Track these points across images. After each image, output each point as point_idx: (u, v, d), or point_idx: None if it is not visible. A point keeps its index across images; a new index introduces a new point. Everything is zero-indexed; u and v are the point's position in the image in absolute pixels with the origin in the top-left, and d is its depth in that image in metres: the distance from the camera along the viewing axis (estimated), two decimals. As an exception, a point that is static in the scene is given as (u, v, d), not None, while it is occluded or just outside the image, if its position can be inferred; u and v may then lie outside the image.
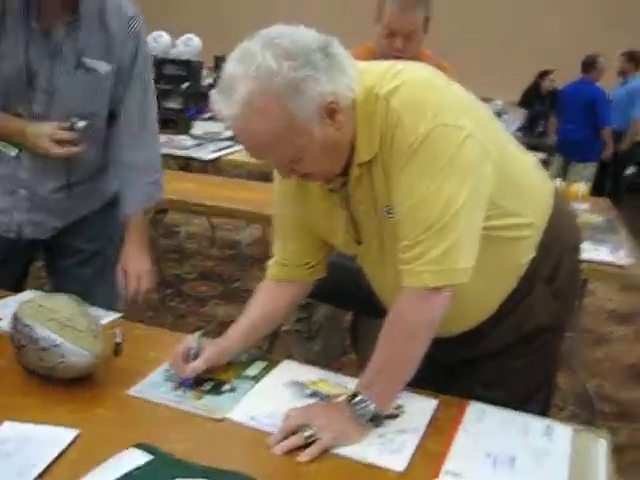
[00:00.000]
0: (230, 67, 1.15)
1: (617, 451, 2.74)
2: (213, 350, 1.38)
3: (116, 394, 1.30)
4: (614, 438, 2.86)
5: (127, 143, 1.81)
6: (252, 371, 1.42)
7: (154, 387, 1.33)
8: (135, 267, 1.85)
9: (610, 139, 6.23)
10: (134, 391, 1.31)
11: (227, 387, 1.35)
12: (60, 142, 1.66)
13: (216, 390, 1.34)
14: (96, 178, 1.88)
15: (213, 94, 1.20)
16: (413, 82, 1.21)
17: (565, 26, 8.63)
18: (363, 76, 1.22)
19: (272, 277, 1.48)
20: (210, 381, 1.36)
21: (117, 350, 1.45)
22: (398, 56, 2.35)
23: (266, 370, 1.42)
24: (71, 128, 1.67)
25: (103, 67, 1.69)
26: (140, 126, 1.81)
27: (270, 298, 1.47)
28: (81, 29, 1.63)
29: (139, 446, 1.12)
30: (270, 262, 1.50)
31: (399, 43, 2.38)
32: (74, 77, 1.66)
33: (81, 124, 1.68)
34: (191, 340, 1.39)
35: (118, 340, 1.47)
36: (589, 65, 6.13)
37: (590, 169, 6.13)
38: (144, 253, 1.88)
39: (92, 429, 1.18)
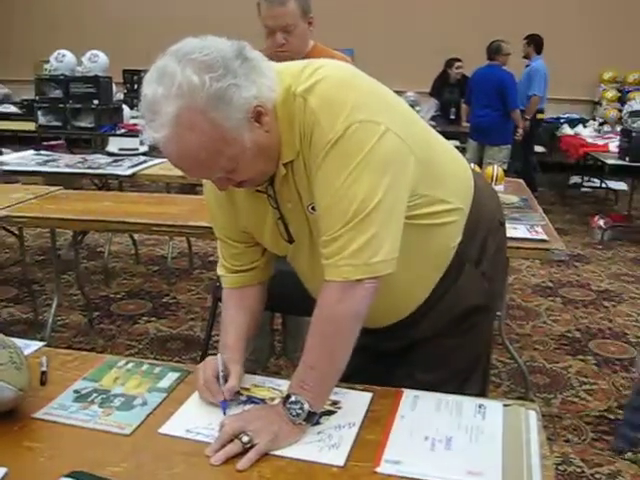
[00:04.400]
0: (150, 90, 1.12)
1: (552, 419, 2.87)
2: (238, 367, 1.36)
3: (45, 425, 1.26)
4: (548, 408, 3.00)
5: None
6: (164, 383, 1.41)
7: (62, 408, 1.30)
8: None
9: (520, 121, 6.44)
10: (41, 414, 1.28)
11: (139, 401, 1.33)
12: None
13: (127, 405, 1.32)
14: None
15: (142, 124, 1.16)
16: (330, 80, 1.21)
17: (468, 14, 8.86)
18: (280, 76, 1.22)
19: (231, 286, 1.49)
20: (121, 396, 1.35)
21: (43, 379, 1.41)
22: (282, 51, 2.39)
23: (178, 381, 1.41)
24: None
25: None
26: None
27: (244, 302, 1.48)
28: None
29: (71, 475, 1.08)
30: (220, 271, 1.51)
31: (280, 38, 2.43)
32: None
33: None
34: (215, 363, 1.36)
35: (43, 369, 1.43)
36: (494, 51, 6.31)
37: (504, 152, 6.32)
38: None
39: (21, 465, 1.13)
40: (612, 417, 2.86)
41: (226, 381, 1.32)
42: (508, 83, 6.21)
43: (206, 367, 1.36)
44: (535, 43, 7.20)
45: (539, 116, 7.32)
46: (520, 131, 6.49)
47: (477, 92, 6.43)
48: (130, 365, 1.49)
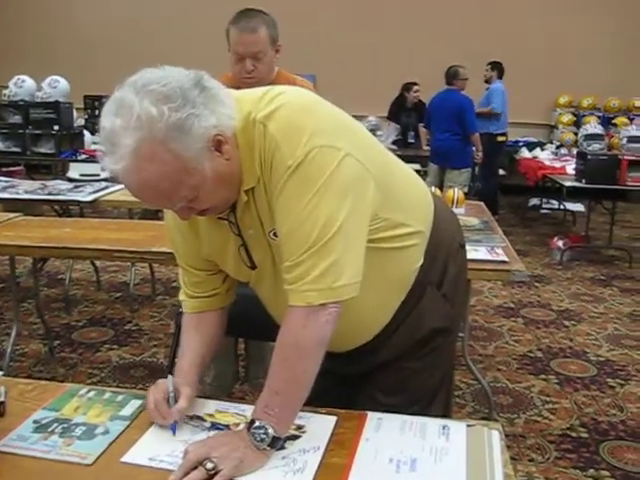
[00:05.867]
0: (108, 122, 1.12)
1: (516, 439, 2.90)
2: (189, 389, 1.35)
3: (3, 457, 1.23)
4: (512, 428, 3.02)
5: None
6: (127, 411, 1.39)
7: (21, 439, 1.28)
8: None
9: (479, 144, 6.56)
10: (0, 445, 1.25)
11: (101, 430, 1.31)
12: None
13: (88, 434, 1.30)
14: None
15: (98, 154, 1.16)
16: (290, 106, 1.22)
17: (427, 41, 9.03)
18: (240, 104, 1.23)
19: (191, 311, 1.49)
20: (82, 426, 1.33)
21: (1, 410, 1.37)
22: (250, 77, 2.42)
23: (141, 409, 1.39)
24: None
25: None
26: None
27: (202, 327, 1.47)
28: None
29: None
30: (181, 296, 1.51)
31: (249, 65, 2.45)
32: None
33: None
34: (167, 384, 1.35)
35: (1, 399, 1.40)
36: (452, 76, 6.45)
37: (465, 175, 6.43)
38: None
39: (-20, 498, 1.11)
40: (575, 435, 2.89)
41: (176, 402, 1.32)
42: (467, 107, 6.34)
43: (156, 389, 1.35)
44: (498, 69, 7.59)
45: (500, 139, 7.50)
46: (480, 154, 6.61)
47: (436, 117, 6.55)
48: (92, 394, 1.46)
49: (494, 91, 7.47)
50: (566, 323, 4.38)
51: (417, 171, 1.56)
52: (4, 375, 1.57)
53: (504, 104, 7.46)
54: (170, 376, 1.38)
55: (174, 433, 1.28)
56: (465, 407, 3.12)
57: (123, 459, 1.22)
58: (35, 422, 1.34)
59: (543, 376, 3.52)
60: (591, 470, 2.62)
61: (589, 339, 4.10)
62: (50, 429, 1.31)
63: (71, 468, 1.20)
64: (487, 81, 7.60)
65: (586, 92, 9.03)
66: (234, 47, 2.48)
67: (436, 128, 6.58)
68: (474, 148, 6.54)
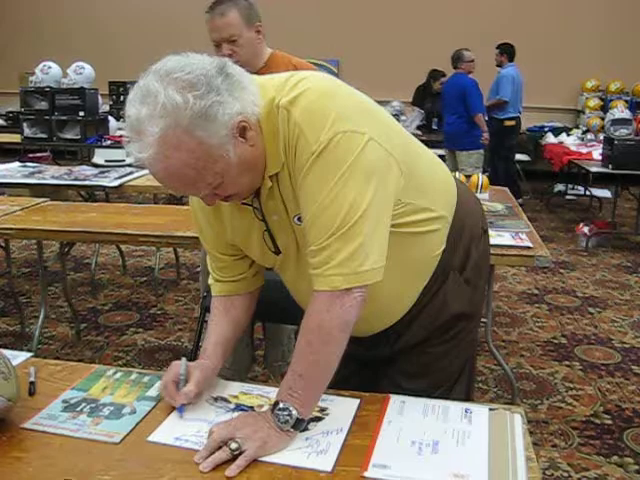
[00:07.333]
0: (134, 110, 1.13)
1: (539, 425, 2.89)
2: (201, 373, 1.37)
3: (33, 435, 1.26)
4: (535, 414, 3.01)
5: None
6: (153, 392, 1.42)
7: (51, 418, 1.31)
8: None
9: (484, 125, 6.46)
10: (30, 424, 1.28)
11: (128, 410, 1.34)
12: None
13: (116, 414, 1.33)
14: None
15: (124, 141, 1.17)
16: (312, 92, 1.22)
17: (452, 24, 8.95)
18: (263, 90, 1.23)
19: (219, 294, 1.51)
20: (110, 405, 1.35)
21: (31, 389, 1.41)
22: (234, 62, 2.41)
23: None
24: None
25: None
26: None
27: (229, 310, 1.49)
28: None
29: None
30: (210, 280, 1.54)
31: (226, 49, 2.45)
32: None
33: None
34: (178, 367, 1.38)
35: (32, 379, 1.43)
36: (456, 59, 6.43)
37: (475, 156, 6.38)
38: None
39: (10, 475, 1.14)
40: (598, 422, 2.88)
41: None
42: (470, 89, 6.31)
43: (169, 371, 1.38)
44: (508, 52, 7.30)
45: (507, 123, 7.30)
46: (485, 135, 6.49)
47: (446, 100, 6.58)
48: (119, 374, 1.49)
49: (503, 78, 7.22)
50: (591, 310, 4.34)
51: (441, 156, 1.56)
52: (34, 356, 1.61)
53: (515, 90, 7.20)
54: (184, 359, 1.40)
55: (181, 415, 1.31)
56: (488, 392, 3.12)
57: (150, 438, 1.24)
58: (64, 402, 1.37)
59: (567, 362, 3.51)
60: (615, 457, 2.61)
61: (614, 326, 4.07)
62: (79, 408, 1.34)
63: (99, 446, 1.22)
64: (499, 65, 7.35)
65: (614, 76, 8.89)
66: (210, 34, 2.48)
67: (446, 112, 6.60)
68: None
